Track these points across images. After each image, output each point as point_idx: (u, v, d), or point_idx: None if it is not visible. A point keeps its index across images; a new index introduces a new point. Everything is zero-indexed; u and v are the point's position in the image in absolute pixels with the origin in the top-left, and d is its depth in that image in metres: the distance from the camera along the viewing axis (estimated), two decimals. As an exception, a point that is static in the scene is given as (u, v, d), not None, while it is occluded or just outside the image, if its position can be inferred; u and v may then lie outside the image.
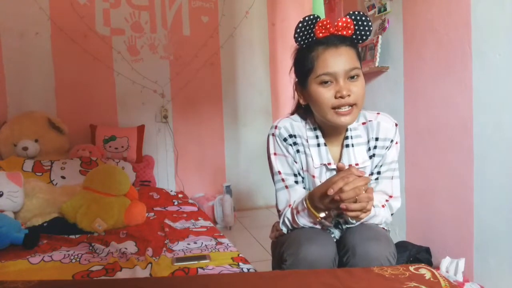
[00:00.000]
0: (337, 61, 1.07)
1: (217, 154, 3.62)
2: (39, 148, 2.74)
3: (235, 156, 3.67)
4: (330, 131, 1.19)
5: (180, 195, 2.82)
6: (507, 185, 1.66)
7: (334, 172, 1.16)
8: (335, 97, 1.07)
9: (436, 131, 2.02)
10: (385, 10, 2.33)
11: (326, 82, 1.08)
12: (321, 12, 3.12)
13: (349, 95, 1.07)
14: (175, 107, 3.45)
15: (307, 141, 1.18)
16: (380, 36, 2.34)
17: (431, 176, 2.07)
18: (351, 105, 1.08)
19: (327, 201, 1.04)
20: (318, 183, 1.17)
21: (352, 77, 1.08)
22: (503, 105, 1.66)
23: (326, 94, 1.08)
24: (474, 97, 1.78)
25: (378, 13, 2.38)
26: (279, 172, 1.20)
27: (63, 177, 2.50)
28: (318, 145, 1.18)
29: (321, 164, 1.18)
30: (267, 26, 3.75)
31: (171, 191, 2.89)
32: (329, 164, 1.18)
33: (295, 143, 1.19)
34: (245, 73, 3.67)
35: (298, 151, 1.20)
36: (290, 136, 1.19)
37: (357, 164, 1.17)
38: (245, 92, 3.68)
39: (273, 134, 1.20)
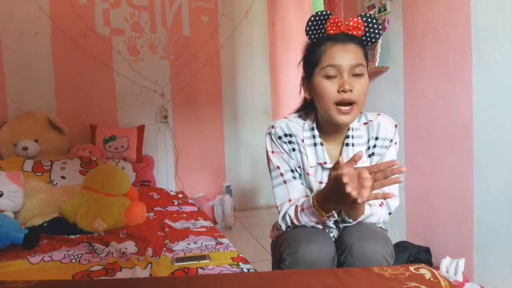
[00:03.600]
0: (344, 55, 1.10)
1: (217, 154, 3.62)
2: (39, 148, 2.74)
3: (235, 156, 3.67)
4: (331, 130, 1.20)
5: (180, 195, 2.82)
6: (507, 185, 1.66)
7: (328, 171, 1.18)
8: (338, 91, 1.09)
9: (436, 131, 2.02)
10: (385, 10, 2.33)
11: (330, 76, 1.10)
12: (321, 12, 3.11)
13: (351, 91, 1.09)
14: (175, 107, 3.45)
15: (303, 141, 1.21)
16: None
17: (431, 176, 2.07)
18: (352, 103, 1.10)
19: (347, 201, 0.99)
20: (313, 181, 1.20)
21: (357, 75, 1.10)
22: (503, 105, 1.66)
23: (330, 88, 1.10)
24: (474, 97, 1.78)
25: (378, 13, 2.38)
26: (278, 167, 1.21)
27: (63, 177, 2.50)
28: (315, 144, 1.21)
29: (317, 163, 1.20)
30: (267, 26, 3.75)
31: (171, 191, 2.89)
32: (325, 163, 1.20)
33: (290, 142, 1.21)
34: (245, 73, 3.67)
35: (293, 149, 1.22)
36: (285, 135, 1.21)
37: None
38: (245, 92, 3.68)
39: (269, 133, 1.24)
